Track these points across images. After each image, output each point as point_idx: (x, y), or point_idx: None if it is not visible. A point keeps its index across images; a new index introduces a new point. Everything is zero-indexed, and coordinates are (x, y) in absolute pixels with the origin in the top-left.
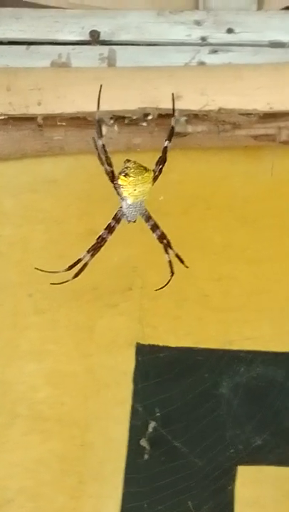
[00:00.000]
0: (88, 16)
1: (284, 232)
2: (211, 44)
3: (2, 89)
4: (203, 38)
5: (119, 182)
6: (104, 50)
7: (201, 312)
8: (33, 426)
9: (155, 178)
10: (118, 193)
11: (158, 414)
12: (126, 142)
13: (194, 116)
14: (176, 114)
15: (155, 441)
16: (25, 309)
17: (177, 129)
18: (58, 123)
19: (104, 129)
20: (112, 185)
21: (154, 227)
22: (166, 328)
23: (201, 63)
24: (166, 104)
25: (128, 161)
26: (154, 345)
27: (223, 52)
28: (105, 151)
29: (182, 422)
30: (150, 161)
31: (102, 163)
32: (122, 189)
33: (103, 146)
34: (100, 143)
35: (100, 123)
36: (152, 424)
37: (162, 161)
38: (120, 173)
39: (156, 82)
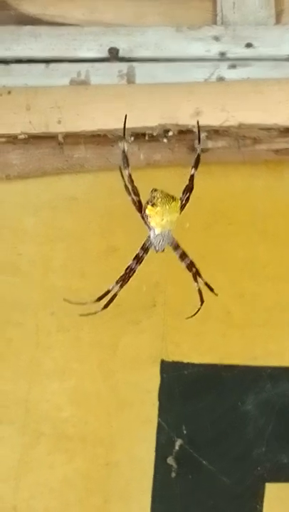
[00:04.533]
0: (106, 33)
1: None
2: (229, 59)
3: (22, 108)
4: (222, 53)
5: (147, 212)
6: (124, 66)
7: (225, 328)
8: (58, 445)
9: (182, 207)
10: (145, 223)
11: (184, 431)
12: (146, 158)
13: (214, 132)
14: (201, 140)
15: (182, 459)
16: (47, 328)
17: (197, 145)
18: (78, 141)
19: (124, 145)
20: (139, 215)
21: (183, 256)
22: (189, 344)
23: (221, 79)
24: (186, 121)
25: (155, 190)
26: (178, 362)
27: (242, 67)
28: (132, 180)
29: (209, 440)
30: (170, 176)
31: (129, 193)
32: (149, 219)
33: (130, 175)
34: (126, 172)
35: (125, 153)
36: (179, 442)
37: (189, 189)
38: (147, 203)
39: (175, 98)
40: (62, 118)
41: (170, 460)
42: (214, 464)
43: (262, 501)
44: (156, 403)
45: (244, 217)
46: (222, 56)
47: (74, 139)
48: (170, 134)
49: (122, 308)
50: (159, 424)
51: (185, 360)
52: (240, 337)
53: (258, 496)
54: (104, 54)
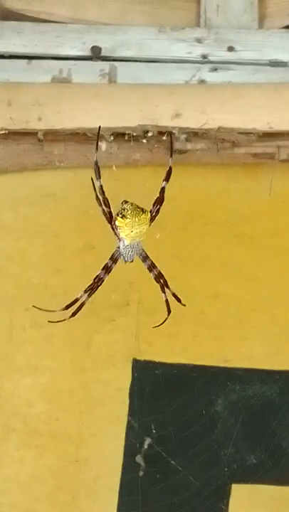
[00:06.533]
0: (90, 31)
1: (281, 251)
2: (211, 62)
3: (3, 104)
4: (204, 56)
5: (117, 223)
6: (105, 66)
7: (197, 329)
8: (28, 441)
9: (152, 219)
10: (115, 234)
11: (154, 431)
12: (125, 157)
13: (194, 134)
14: (174, 155)
15: (150, 459)
16: (21, 323)
17: (176, 146)
18: (58, 138)
19: (104, 145)
20: (109, 226)
21: (151, 267)
22: (162, 344)
23: (202, 81)
24: (165, 122)
25: (126, 202)
26: (150, 361)
27: (223, 71)
28: (103, 192)
29: (177, 440)
30: (148, 176)
31: (100, 204)
32: (119, 230)
33: (101, 187)
34: (98, 184)
35: (98, 165)
36: (148, 441)
37: (160, 201)
38: (118, 215)
39: (156, 99)
40: (42, 115)
41: (138, 459)
42: (182, 464)
43: (228, 502)
44: (127, 401)
45: (221, 218)
46: (204, 58)
47: (54, 136)
48: (150, 134)
49: (96, 306)
50: (128, 423)
51: (157, 360)
52: (213, 338)
53: (224, 497)
54: (87, 52)
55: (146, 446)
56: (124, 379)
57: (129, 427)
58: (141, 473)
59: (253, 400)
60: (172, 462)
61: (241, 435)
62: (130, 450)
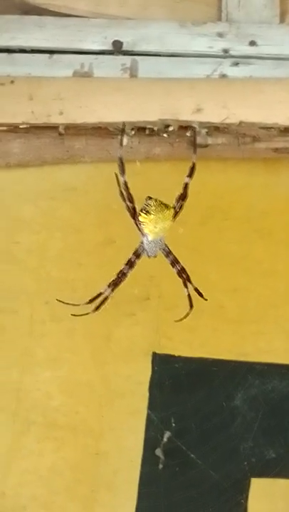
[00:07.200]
0: (111, 26)
1: None
2: (233, 56)
3: (24, 98)
4: (226, 50)
5: (141, 219)
6: (127, 60)
7: (217, 323)
8: (48, 434)
9: (176, 215)
10: (139, 230)
11: (173, 424)
12: (146, 152)
13: (215, 129)
14: (197, 150)
15: (170, 452)
16: (41, 317)
17: (197, 141)
18: (79, 132)
19: (124, 139)
20: (133, 221)
21: (174, 263)
22: (182, 338)
23: (223, 76)
24: (186, 116)
25: (149, 198)
26: (170, 355)
27: (244, 65)
28: (127, 187)
29: (197, 433)
30: (169, 170)
31: (124, 200)
32: (142, 226)
33: (125, 183)
34: (122, 179)
35: (122, 161)
36: (167, 435)
37: (183, 197)
38: (141, 211)
39: (177, 93)
40: (64, 109)
41: (158, 452)
42: (201, 458)
43: (247, 496)
44: (147, 395)
45: (241, 213)
46: (225, 53)
47: (75, 130)
48: (170, 129)
49: (117, 300)
50: (148, 416)
51: (177, 354)
52: (232, 332)
53: (243, 491)
54: (108, 47)
55: (165, 440)
56: (144, 373)
57: (149, 421)
58: (160, 466)
59: (273, 394)
60: (192, 455)
61: (260, 429)
62: (150, 443)
